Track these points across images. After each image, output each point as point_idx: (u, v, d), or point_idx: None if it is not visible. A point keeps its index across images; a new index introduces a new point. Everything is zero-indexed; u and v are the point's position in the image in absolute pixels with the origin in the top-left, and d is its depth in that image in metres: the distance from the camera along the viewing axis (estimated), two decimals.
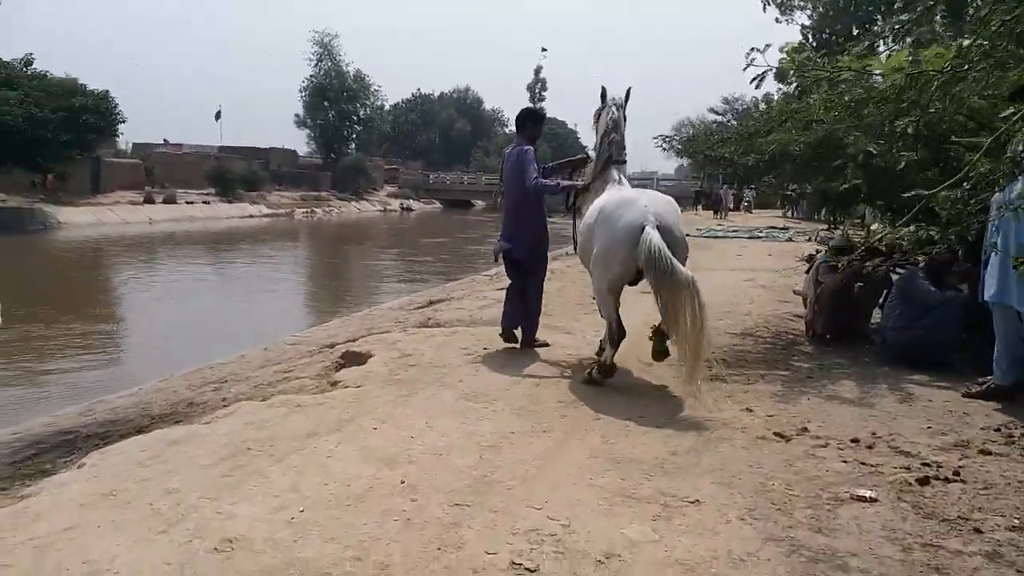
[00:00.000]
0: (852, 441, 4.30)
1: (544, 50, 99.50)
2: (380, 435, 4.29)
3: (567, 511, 3.33)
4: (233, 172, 46.28)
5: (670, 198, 5.69)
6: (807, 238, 22.69)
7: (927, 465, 3.93)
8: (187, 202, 41.12)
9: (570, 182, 6.53)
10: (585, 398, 5.14)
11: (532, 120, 6.70)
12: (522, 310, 6.74)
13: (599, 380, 5.43)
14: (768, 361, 6.44)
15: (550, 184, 6.42)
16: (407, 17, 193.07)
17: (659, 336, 5.56)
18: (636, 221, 5.08)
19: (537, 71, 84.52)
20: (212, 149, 55.97)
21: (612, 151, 5.98)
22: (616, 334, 5.38)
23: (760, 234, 24.33)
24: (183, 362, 8.04)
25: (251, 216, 42.93)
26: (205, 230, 34.08)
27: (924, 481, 3.69)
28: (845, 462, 4.00)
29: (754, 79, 5.19)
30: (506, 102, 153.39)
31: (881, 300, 7.49)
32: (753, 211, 41.93)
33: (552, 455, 4.04)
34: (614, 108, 6.02)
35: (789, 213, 37.25)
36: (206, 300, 15.39)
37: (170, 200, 39.90)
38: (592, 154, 6.44)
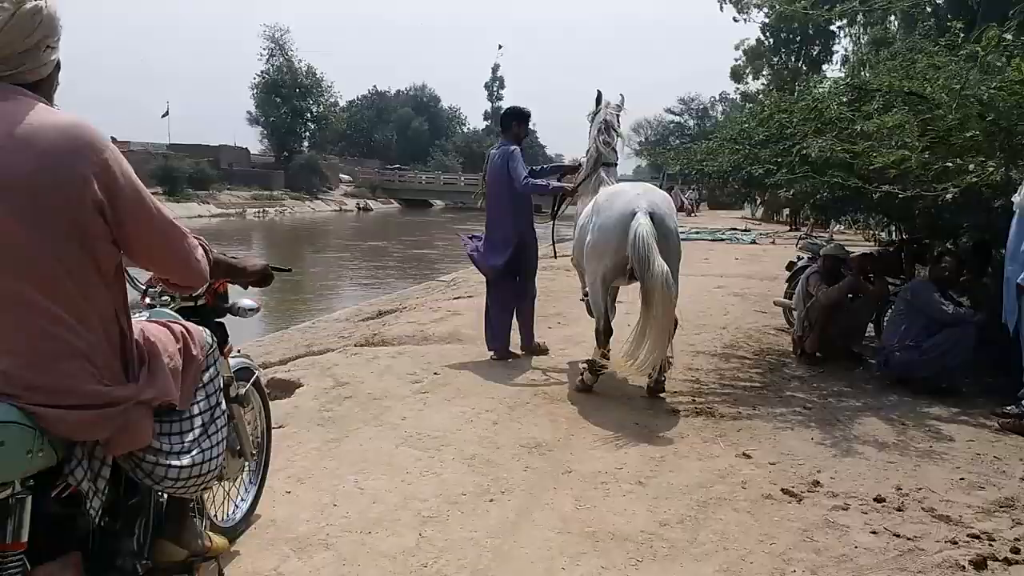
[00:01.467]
0: (876, 500, 3.53)
1: (500, 47, 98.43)
2: (293, 502, 3.39)
3: None
4: (181, 170, 44.42)
5: (665, 193, 5.52)
6: (771, 240, 22.25)
7: (976, 537, 3.17)
8: None
9: (560, 184, 6.30)
10: (553, 440, 4.31)
11: (517, 119, 6.37)
12: (516, 323, 6.44)
13: (590, 383, 5.27)
14: (757, 388, 5.67)
15: (540, 184, 6.19)
16: (361, 10, 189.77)
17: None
18: (628, 208, 4.93)
19: (495, 69, 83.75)
20: (161, 147, 53.91)
21: (602, 151, 5.83)
22: (603, 331, 5.19)
23: (723, 236, 23.71)
24: None
25: (199, 216, 41.14)
26: None
27: (980, 564, 2.93)
28: (875, 533, 3.22)
29: None
30: (464, 101, 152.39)
31: (873, 315, 6.82)
32: (696, 213, 40.97)
33: (512, 529, 3.19)
34: (609, 110, 5.91)
35: (752, 214, 36.78)
36: None
37: None
38: (583, 160, 6.21)
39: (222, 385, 2.28)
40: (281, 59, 60.45)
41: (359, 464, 3.87)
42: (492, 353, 6.28)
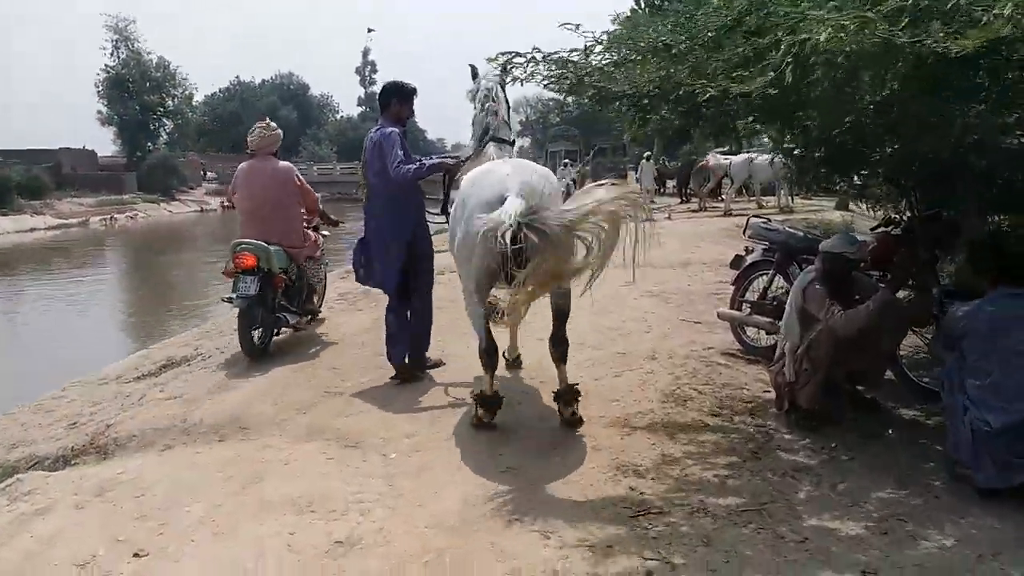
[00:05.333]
0: None
1: (370, 31, 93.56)
2: None
3: None
4: (9, 179, 39.18)
5: (545, 169, 4.50)
6: (666, 216, 20.14)
7: None
8: None
9: (438, 159, 5.49)
10: None
11: (398, 96, 5.50)
12: (410, 334, 5.43)
13: (487, 419, 4.26)
14: (746, 509, 3.16)
15: (415, 166, 5.20)
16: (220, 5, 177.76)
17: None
18: (495, 192, 3.95)
19: (365, 53, 79.83)
20: None
21: (488, 121, 5.05)
22: (486, 351, 4.25)
23: None
24: None
25: (33, 229, 36.25)
26: None
27: None
28: None
29: None
30: (334, 88, 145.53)
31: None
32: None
33: None
34: (489, 79, 5.13)
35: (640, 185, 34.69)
36: None
37: None
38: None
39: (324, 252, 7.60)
40: (126, 52, 55.39)
41: None
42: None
